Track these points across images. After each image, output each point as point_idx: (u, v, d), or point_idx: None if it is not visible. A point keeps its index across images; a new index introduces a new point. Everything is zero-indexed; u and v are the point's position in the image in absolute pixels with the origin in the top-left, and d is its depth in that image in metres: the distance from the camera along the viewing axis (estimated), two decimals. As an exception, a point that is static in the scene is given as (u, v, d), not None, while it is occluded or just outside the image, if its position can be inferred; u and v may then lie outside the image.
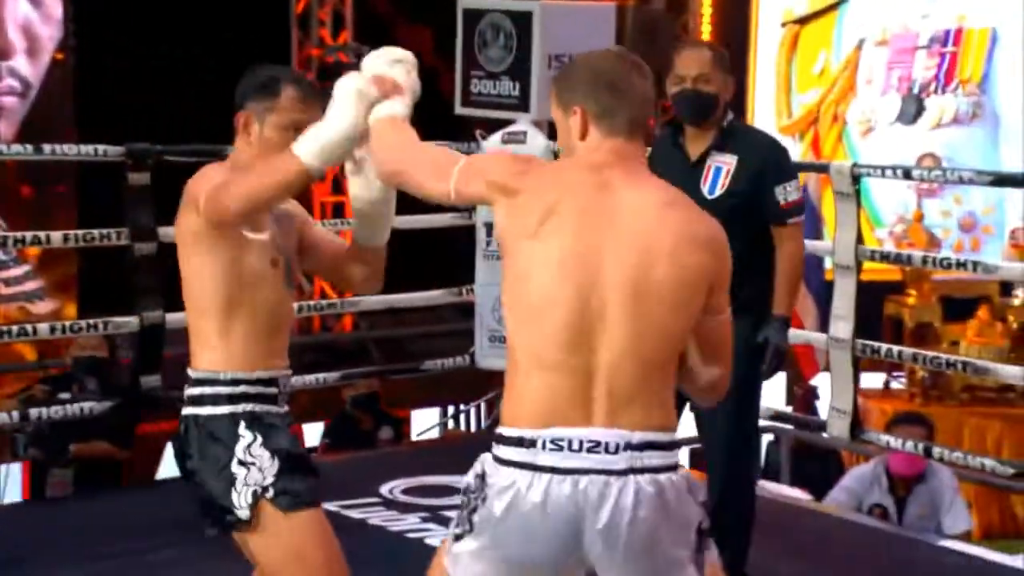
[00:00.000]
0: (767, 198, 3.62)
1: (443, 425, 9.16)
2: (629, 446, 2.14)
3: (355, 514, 4.47)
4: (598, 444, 2.13)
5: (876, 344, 5.01)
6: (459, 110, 5.87)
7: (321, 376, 5.60)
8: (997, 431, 8.04)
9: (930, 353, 5.78)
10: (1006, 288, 8.82)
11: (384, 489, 4.72)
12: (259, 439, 2.62)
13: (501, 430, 2.22)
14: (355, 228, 2.88)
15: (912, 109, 10.54)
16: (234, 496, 2.60)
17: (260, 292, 2.67)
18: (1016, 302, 8.73)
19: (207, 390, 2.67)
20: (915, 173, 6.31)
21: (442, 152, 2.46)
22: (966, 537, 5.41)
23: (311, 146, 2.51)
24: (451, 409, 9.21)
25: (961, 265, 6.22)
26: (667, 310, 2.18)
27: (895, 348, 5.67)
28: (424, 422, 9.08)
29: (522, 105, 5.66)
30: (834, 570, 3.87)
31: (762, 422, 4.41)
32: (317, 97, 2.71)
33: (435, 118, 6.16)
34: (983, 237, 9.87)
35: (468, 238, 5.56)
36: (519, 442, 2.16)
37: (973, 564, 4.39)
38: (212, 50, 9.52)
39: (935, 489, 5.44)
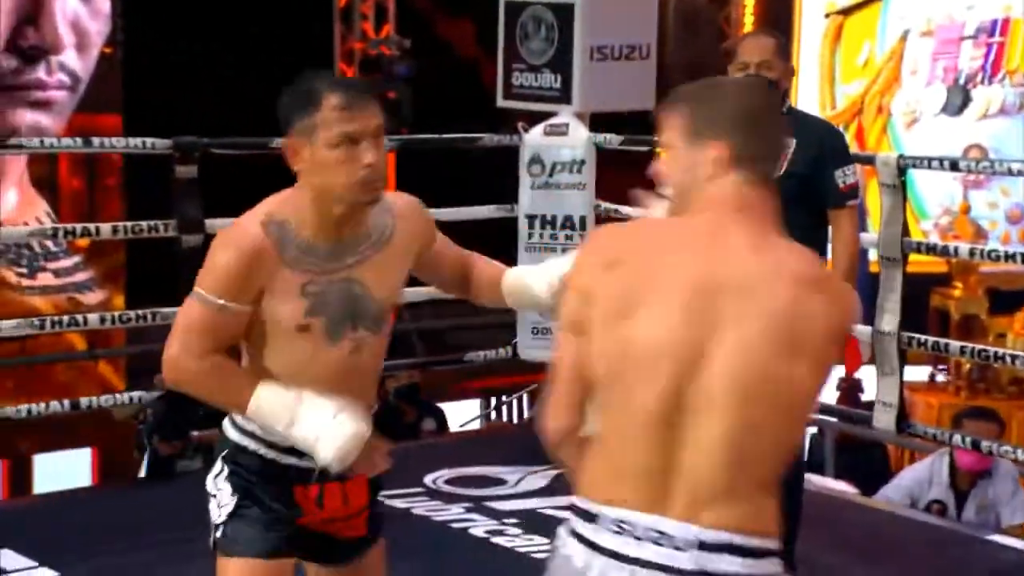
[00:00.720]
0: (827, 182, 3.70)
1: (485, 416, 9.16)
2: (702, 545, 1.82)
3: (400, 504, 4.46)
4: (665, 536, 1.83)
5: (922, 337, 4.97)
6: (501, 103, 5.85)
7: None
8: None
9: (977, 346, 5.71)
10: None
11: (428, 479, 4.73)
12: (226, 470, 2.45)
13: (573, 497, 1.97)
14: (506, 300, 2.71)
15: (958, 100, 10.44)
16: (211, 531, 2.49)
17: (281, 355, 2.42)
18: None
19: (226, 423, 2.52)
20: (962, 164, 6.22)
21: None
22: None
23: (268, 413, 2.36)
24: (492, 400, 9.21)
25: (1009, 257, 6.15)
26: (779, 406, 1.85)
27: (942, 341, 5.60)
28: (465, 414, 9.08)
29: (564, 97, 5.63)
30: (883, 564, 3.82)
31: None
32: (364, 98, 2.40)
33: (477, 110, 6.18)
34: (1015, 228, 9.75)
35: (511, 230, 5.54)
36: (583, 515, 1.90)
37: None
38: (257, 44, 9.56)
39: (997, 483, 5.38)
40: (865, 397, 7.31)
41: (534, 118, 5.68)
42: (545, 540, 4.07)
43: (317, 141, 2.36)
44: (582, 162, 5.46)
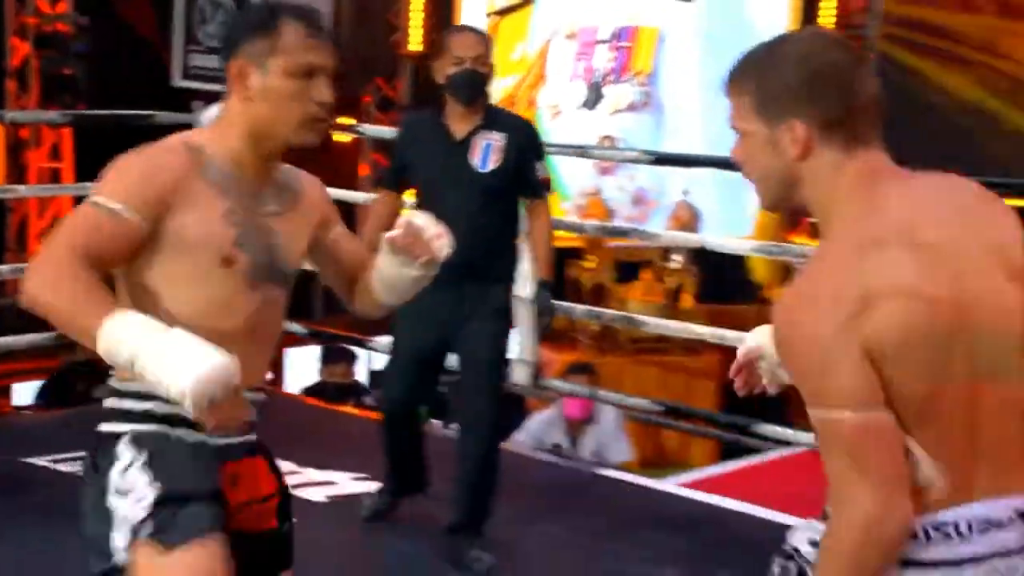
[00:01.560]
0: (529, 174, 3.55)
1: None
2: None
3: (65, 468, 4.14)
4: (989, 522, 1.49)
5: (557, 302, 5.12)
6: (178, 83, 5.67)
7: (34, 336, 5.11)
8: (654, 376, 8.39)
9: (599, 309, 5.96)
10: (666, 253, 9.21)
11: (97, 442, 4.44)
12: (141, 459, 1.88)
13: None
14: (378, 288, 2.15)
15: (593, 96, 10.81)
16: (111, 539, 1.87)
17: (199, 293, 1.92)
18: (673, 265, 9.10)
19: (114, 402, 1.96)
20: (592, 152, 6.47)
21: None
22: (628, 466, 5.66)
23: (109, 342, 1.72)
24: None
25: (632, 233, 6.45)
26: None
27: (577, 306, 5.81)
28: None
29: None
30: (514, 501, 3.89)
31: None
32: (325, 33, 2.02)
33: (154, 89, 5.95)
34: (650, 210, 10.21)
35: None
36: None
37: (633, 488, 4.53)
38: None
39: (603, 427, 5.69)
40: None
41: (212, 97, 5.49)
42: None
43: (272, 68, 1.94)
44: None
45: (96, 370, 7.28)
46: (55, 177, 9.36)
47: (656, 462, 7.90)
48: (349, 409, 5.81)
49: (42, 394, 7.24)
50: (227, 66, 1.98)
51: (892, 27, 9.54)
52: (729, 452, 6.90)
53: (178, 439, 1.92)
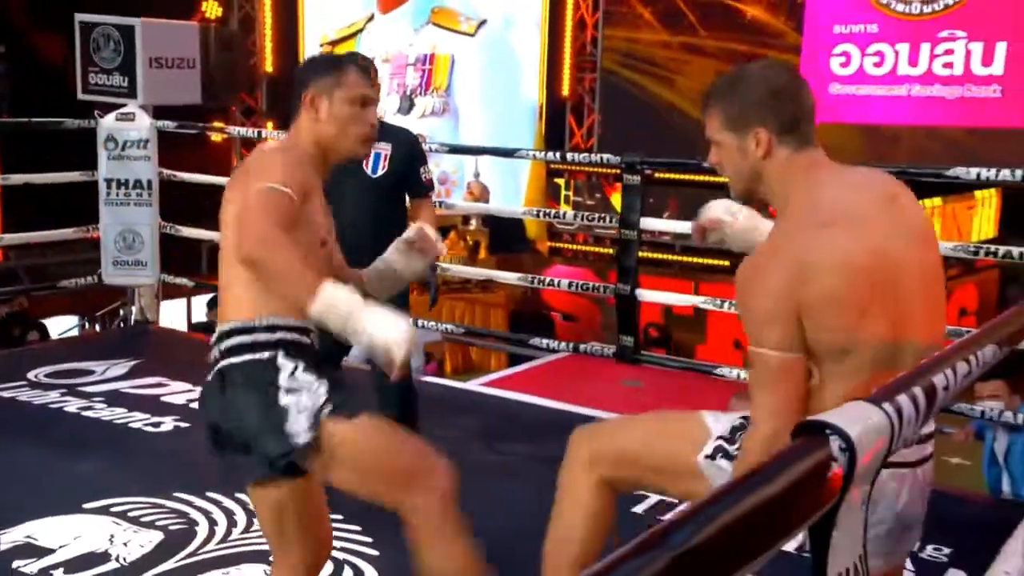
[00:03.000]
0: (415, 176, 3.28)
1: (80, 327, 8.42)
2: None
3: (4, 394, 3.98)
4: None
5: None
6: (81, 96, 5.41)
7: None
8: (461, 308, 8.47)
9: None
10: (466, 220, 9.27)
11: (31, 375, 4.25)
12: (300, 365, 1.83)
13: None
14: (370, 278, 2.14)
15: (407, 105, 10.73)
16: (289, 427, 1.79)
17: (311, 262, 1.82)
18: (471, 227, 9.18)
19: (244, 339, 1.85)
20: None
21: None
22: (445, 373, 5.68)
23: (328, 304, 1.68)
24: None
25: (439, 205, 6.44)
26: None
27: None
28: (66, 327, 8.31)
29: (131, 93, 5.30)
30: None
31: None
32: (375, 74, 2.10)
33: (63, 103, 5.64)
34: (453, 188, 10.25)
35: (94, 190, 5.08)
36: None
37: (447, 388, 4.58)
38: None
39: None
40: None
41: (108, 108, 5.26)
42: (124, 411, 3.83)
43: (337, 98, 1.95)
44: (147, 141, 5.13)
45: (28, 318, 6.96)
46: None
47: (465, 369, 8.01)
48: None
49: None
50: (301, 96, 1.96)
51: (613, 54, 9.81)
52: (514, 360, 7.06)
53: (307, 348, 1.87)
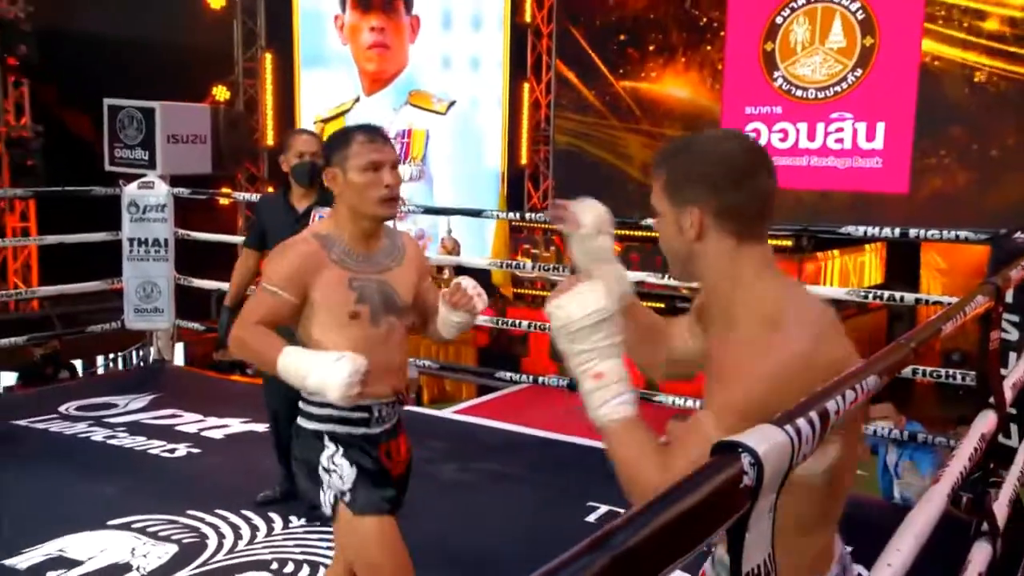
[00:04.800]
0: None
1: (105, 366, 8.25)
2: None
3: (39, 426, 3.91)
4: None
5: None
6: (108, 168, 5.41)
7: (11, 340, 4.74)
8: (437, 345, 8.36)
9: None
10: (440, 270, 9.28)
11: (62, 408, 4.18)
12: (340, 451, 1.84)
13: None
14: (439, 327, 2.03)
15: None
16: (321, 495, 1.86)
17: (341, 338, 1.82)
18: (445, 277, 9.19)
19: (305, 407, 1.89)
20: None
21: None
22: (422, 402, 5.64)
23: (290, 366, 1.72)
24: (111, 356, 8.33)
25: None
26: None
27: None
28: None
29: (151, 165, 5.31)
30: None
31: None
32: (383, 137, 1.89)
33: (92, 173, 5.62)
34: (428, 243, 10.26)
35: (118, 248, 5.04)
36: None
37: (424, 416, 4.36)
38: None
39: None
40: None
41: (131, 178, 5.24)
42: (144, 439, 3.77)
43: (349, 168, 1.85)
44: (164, 205, 5.10)
45: (59, 359, 6.82)
46: (25, 233, 9.20)
47: (439, 399, 7.96)
48: (236, 377, 5.63)
49: (20, 378, 6.75)
50: (326, 173, 1.89)
51: (563, 130, 9.95)
52: (483, 391, 7.03)
53: (354, 434, 1.87)
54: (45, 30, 8.64)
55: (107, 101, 5.36)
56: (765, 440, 0.74)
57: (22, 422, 3.96)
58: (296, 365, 1.71)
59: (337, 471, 1.84)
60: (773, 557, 0.77)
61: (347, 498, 1.82)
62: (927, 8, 7.48)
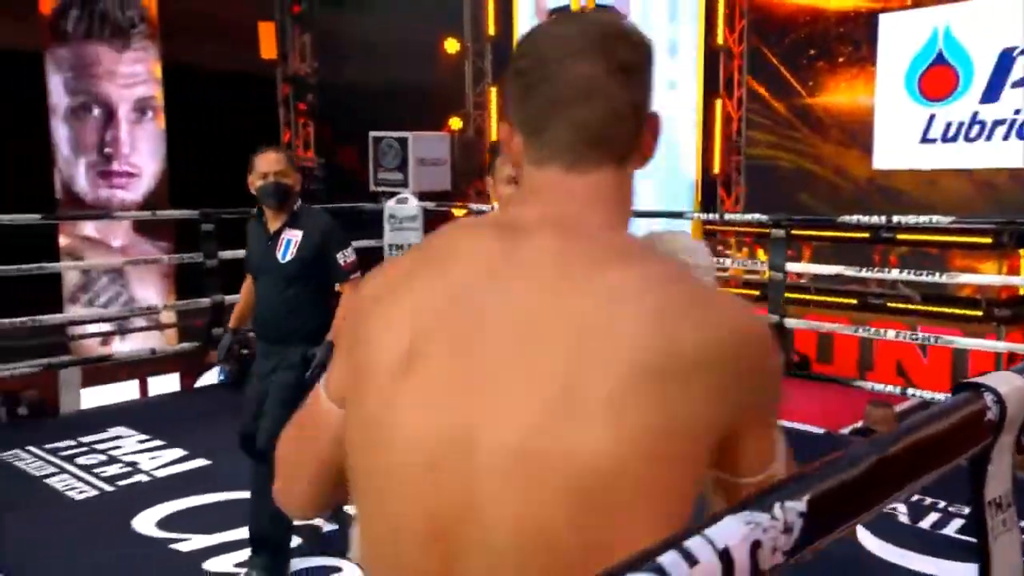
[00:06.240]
0: (331, 264, 2.61)
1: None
2: None
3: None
4: None
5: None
6: (372, 188, 5.95)
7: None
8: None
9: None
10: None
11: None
12: None
13: None
14: None
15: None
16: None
17: None
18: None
19: None
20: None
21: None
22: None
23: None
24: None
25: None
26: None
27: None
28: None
29: (405, 184, 5.82)
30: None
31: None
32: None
33: (359, 193, 6.27)
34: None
35: (380, 252, 5.50)
36: None
37: None
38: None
39: None
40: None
41: (389, 195, 5.74)
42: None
43: (498, 179, 1.86)
44: (416, 216, 5.55)
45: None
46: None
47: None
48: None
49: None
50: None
51: (752, 142, 9.52)
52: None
53: None
54: (324, 82, 9.67)
55: (372, 133, 5.92)
56: (1007, 382, 0.72)
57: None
58: None
59: None
60: (1012, 492, 0.75)
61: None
62: None
